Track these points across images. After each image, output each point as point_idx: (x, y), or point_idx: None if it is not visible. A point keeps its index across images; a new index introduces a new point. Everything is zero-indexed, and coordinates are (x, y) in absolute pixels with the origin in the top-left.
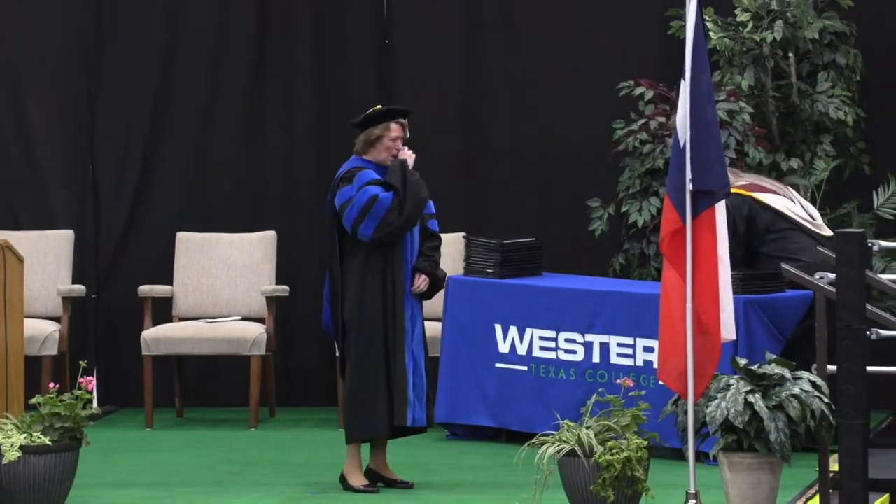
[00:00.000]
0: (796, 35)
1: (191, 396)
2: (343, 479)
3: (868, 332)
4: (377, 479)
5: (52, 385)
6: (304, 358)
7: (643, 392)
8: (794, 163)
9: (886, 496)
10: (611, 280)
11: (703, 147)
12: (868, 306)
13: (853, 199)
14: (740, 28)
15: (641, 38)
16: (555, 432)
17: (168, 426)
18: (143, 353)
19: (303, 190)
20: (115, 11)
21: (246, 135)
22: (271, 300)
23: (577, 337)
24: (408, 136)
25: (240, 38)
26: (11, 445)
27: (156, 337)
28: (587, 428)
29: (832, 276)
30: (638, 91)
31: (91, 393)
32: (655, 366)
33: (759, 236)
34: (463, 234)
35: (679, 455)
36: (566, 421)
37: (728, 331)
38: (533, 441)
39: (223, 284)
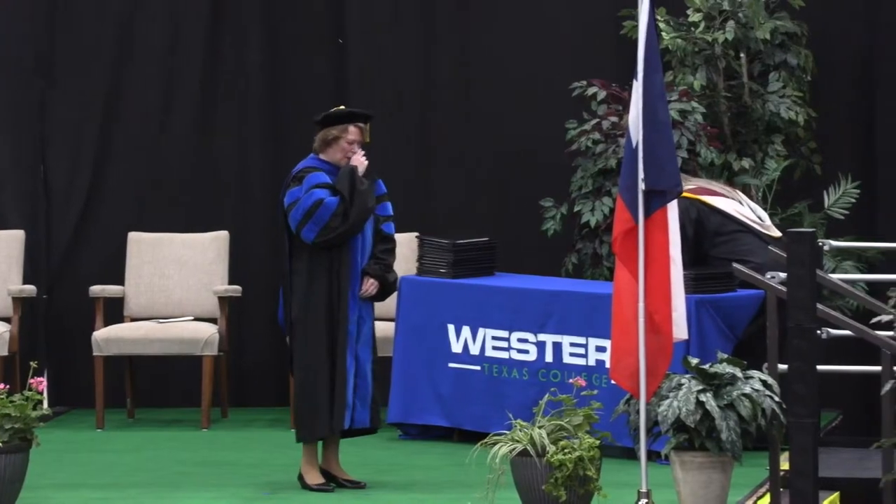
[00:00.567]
0: (748, 35)
1: (142, 397)
2: (300, 478)
3: (819, 332)
4: (330, 479)
5: (2, 386)
6: (256, 358)
7: (595, 391)
8: (746, 163)
9: (836, 494)
10: (563, 280)
11: (656, 147)
12: (819, 306)
13: (804, 199)
14: (692, 28)
15: (594, 38)
16: (507, 432)
17: (119, 427)
18: (95, 353)
19: (256, 190)
20: (66, 12)
21: (198, 134)
22: (224, 300)
23: (530, 336)
24: (368, 140)
25: (192, 37)
26: None
27: (107, 337)
28: (539, 427)
29: (783, 275)
30: (591, 91)
31: (42, 394)
32: (608, 365)
33: (708, 239)
34: (416, 234)
35: (631, 454)
36: (519, 420)
37: (680, 330)
38: (485, 441)
39: (175, 284)
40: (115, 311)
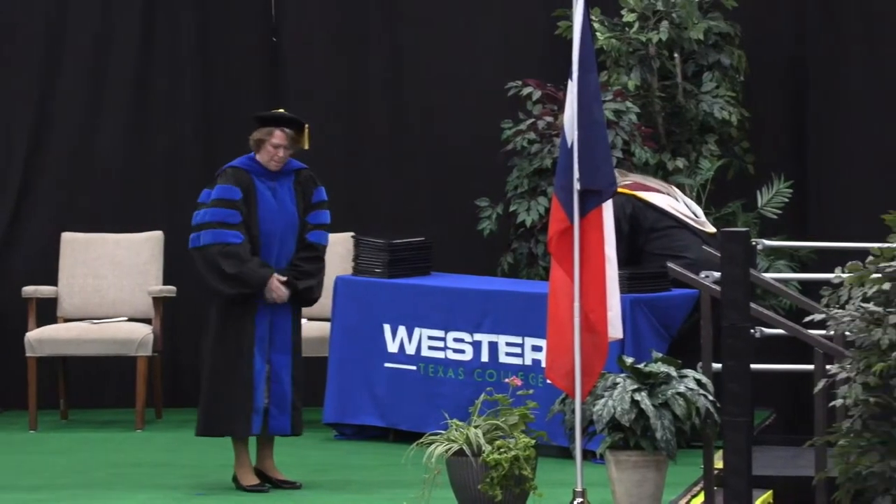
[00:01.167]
0: (682, 35)
1: (76, 398)
2: (235, 479)
3: (752, 331)
4: (265, 479)
5: None
6: (191, 359)
7: (531, 391)
8: (680, 162)
9: (770, 492)
10: (499, 279)
11: (591, 147)
12: (752, 305)
13: (738, 199)
14: (627, 28)
15: (529, 38)
16: (443, 431)
17: (53, 428)
18: (28, 354)
19: (189, 190)
20: None
21: (131, 134)
22: (158, 300)
23: (466, 336)
24: (307, 147)
25: (124, 36)
26: None
27: (40, 338)
28: (475, 427)
29: (717, 274)
30: (526, 91)
31: None
32: (543, 365)
33: (643, 234)
34: (351, 233)
35: (567, 453)
36: (454, 420)
37: (615, 329)
38: (421, 440)
39: (109, 285)
40: (48, 311)
